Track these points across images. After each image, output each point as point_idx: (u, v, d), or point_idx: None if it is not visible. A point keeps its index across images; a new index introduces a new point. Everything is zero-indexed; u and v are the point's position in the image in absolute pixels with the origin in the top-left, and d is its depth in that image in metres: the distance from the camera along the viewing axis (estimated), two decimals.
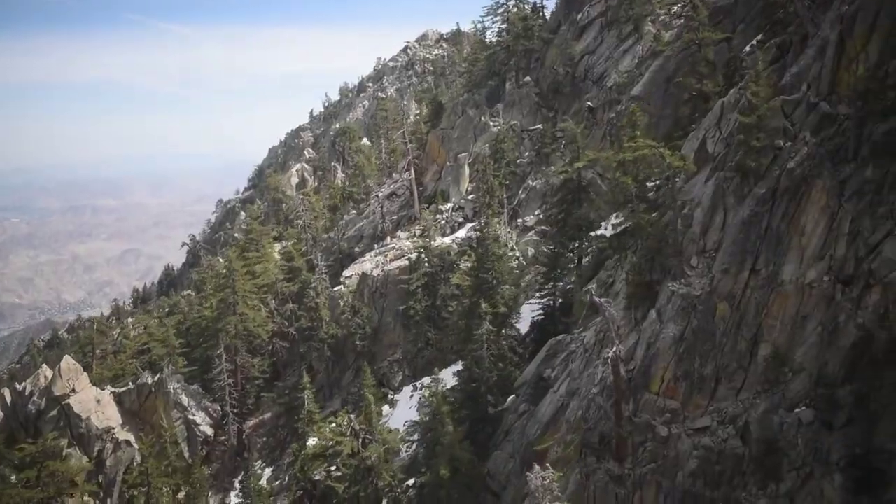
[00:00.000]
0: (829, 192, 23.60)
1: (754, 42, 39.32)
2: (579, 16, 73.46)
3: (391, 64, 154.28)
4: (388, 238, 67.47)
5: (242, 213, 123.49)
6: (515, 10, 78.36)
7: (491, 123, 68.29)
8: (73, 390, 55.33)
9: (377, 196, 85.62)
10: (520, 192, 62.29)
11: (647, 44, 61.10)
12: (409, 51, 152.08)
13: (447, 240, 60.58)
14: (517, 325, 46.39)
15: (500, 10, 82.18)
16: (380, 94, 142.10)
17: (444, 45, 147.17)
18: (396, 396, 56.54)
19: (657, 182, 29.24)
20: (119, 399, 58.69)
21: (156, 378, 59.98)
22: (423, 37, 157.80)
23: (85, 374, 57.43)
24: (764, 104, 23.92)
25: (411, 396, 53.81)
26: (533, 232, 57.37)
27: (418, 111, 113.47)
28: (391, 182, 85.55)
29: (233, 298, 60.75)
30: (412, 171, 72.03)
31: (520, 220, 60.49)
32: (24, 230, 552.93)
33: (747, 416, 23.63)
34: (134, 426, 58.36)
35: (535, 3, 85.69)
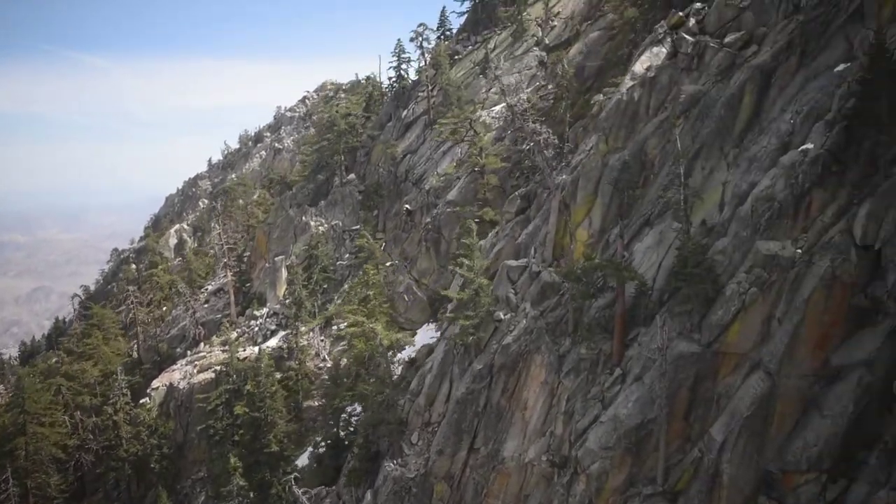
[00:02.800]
0: (547, 367, 23.17)
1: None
2: (405, 112, 73.48)
3: (289, 114, 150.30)
4: (202, 344, 64.14)
5: (133, 266, 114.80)
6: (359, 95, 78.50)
7: (312, 223, 66.72)
8: None
9: (206, 290, 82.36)
10: (336, 297, 60.61)
11: (465, 146, 61.23)
12: (307, 101, 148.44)
13: (258, 350, 57.92)
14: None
15: (330, 101, 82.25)
16: (276, 144, 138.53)
17: (343, 95, 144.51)
18: None
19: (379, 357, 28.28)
20: None
21: None
22: (322, 87, 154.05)
23: None
24: (478, 278, 23.34)
25: None
26: (345, 342, 55.69)
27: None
28: (222, 275, 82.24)
29: (22, 419, 55.88)
30: (228, 273, 69.27)
31: (335, 328, 58.67)
32: None
33: None
34: None
35: (370, 95, 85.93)
